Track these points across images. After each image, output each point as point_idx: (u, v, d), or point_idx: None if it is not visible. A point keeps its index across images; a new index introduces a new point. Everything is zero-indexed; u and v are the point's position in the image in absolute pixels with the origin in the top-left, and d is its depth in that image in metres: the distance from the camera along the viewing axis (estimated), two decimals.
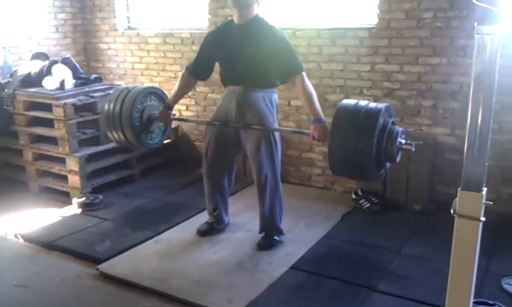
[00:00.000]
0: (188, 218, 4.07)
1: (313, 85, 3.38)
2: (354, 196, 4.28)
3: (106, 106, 3.64)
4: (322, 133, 3.16)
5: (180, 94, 3.73)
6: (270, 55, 3.30)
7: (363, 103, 2.88)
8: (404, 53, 4.22)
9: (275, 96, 3.53)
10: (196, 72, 3.62)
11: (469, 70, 3.94)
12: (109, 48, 5.95)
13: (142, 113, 3.62)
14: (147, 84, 5.50)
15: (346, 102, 2.99)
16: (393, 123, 2.83)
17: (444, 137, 4.19)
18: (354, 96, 4.46)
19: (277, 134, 3.52)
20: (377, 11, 4.28)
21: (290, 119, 4.88)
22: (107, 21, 5.88)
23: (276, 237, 3.60)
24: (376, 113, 2.75)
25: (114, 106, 3.57)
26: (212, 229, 3.77)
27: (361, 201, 4.20)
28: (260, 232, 3.63)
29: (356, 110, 2.80)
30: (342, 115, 2.83)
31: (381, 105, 2.83)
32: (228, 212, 3.88)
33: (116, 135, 3.64)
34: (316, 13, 4.76)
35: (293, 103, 4.83)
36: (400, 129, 2.83)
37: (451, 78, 4.08)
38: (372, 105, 2.86)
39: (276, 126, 3.56)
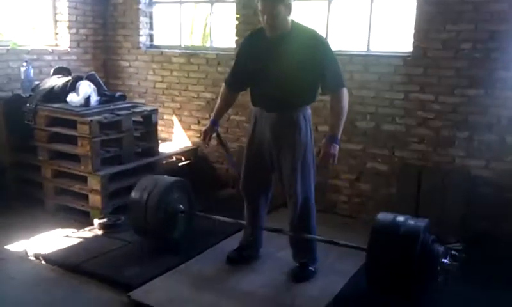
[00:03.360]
0: (215, 243, 3.92)
1: None
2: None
3: (133, 194, 3.69)
4: (331, 153, 3.11)
5: (221, 110, 3.59)
6: (312, 64, 3.08)
7: (401, 218, 2.84)
8: (440, 83, 4.15)
9: (309, 112, 3.33)
10: (233, 85, 3.46)
11: (507, 103, 3.92)
12: (130, 66, 5.85)
13: (167, 208, 3.65)
14: (167, 104, 5.45)
15: (383, 217, 2.93)
16: (433, 241, 2.79)
17: (479, 170, 4.08)
18: (386, 124, 4.38)
19: (310, 154, 3.35)
20: (413, 40, 4.21)
21: (317, 145, 4.75)
22: (129, 38, 5.79)
23: (311, 267, 3.45)
24: (416, 233, 2.72)
25: (141, 197, 3.62)
26: (243, 257, 3.61)
27: None
28: (295, 260, 3.48)
29: (394, 228, 2.78)
30: (380, 233, 2.81)
31: (421, 223, 2.79)
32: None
33: (140, 225, 3.65)
34: (348, 38, 4.71)
35: (320, 129, 4.72)
36: (441, 248, 2.80)
37: (488, 111, 4.00)
38: (411, 222, 2.81)
39: (312, 144, 3.38)
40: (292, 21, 3.14)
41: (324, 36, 3.23)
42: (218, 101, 3.57)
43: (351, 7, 4.70)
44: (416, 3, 4.16)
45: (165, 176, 3.96)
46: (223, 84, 3.53)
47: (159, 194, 3.60)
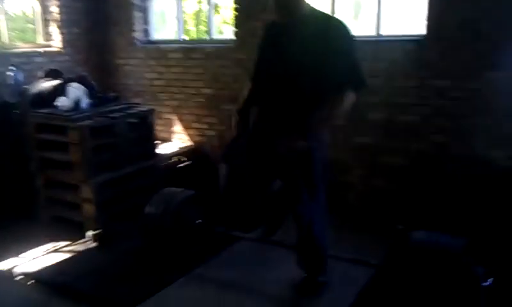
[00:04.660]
0: (218, 253, 3.61)
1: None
2: (401, 226, 3.79)
3: (148, 209, 3.56)
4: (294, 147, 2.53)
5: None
6: (326, 53, 2.45)
7: (437, 237, 2.61)
8: (459, 67, 3.77)
9: None
10: (258, 82, 2.84)
11: None
12: (126, 64, 5.57)
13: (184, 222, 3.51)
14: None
15: (417, 236, 2.70)
16: (474, 263, 2.47)
17: (507, 161, 3.70)
18: (400, 114, 4.02)
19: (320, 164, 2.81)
20: (426, 21, 3.84)
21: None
22: (123, 35, 5.50)
23: (320, 278, 3.11)
24: (454, 254, 2.46)
25: (156, 211, 3.48)
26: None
27: (409, 232, 3.72)
28: (300, 268, 3.11)
29: (430, 249, 2.56)
30: (415, 254, 2.59)
31: (459, 242, 2.51)
32: None
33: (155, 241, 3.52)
34: (355, 22, 4.35)
35: None
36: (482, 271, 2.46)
37: None
38: (449, 241, 2.55)
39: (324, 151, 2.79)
40: (309, 6, 2.59)
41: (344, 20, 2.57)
42: (246, 94, 2.90)
43: None
44: None
45: (181, 189, 3.67)
46: (249, 83, 2.91)
47: (176, 207, 3.42)
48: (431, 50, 3.85)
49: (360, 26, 4.37)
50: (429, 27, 3.84)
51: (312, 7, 2.62)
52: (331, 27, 2.53)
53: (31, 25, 5.46)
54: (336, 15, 3.66)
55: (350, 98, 2.52)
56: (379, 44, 4.11)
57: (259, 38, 2.84)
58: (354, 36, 2.55)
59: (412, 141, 3.99)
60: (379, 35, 4.18)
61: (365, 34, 4.24)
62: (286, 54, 2.59)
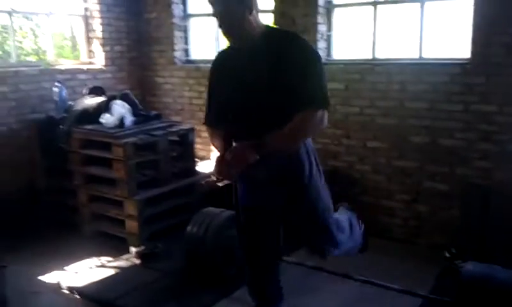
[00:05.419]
0: None
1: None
2: (447, 255, 3.75)
3: (189, 228, 3.55)
4: (243, 155, 2.22)
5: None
6: (292, 72, 2.24)
7: (492, 270, 2.47)
8: (505, 92, 3.73)
9: (309, 140, 2.46)
10: (218, 121, 2.54)
11: None
12: (166, 83, 5.66)
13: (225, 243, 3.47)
14: None
15: (472, 267, 2.54)
16: None
17: None
18: (444, 138, 3.98)
19: (324, 191, 2.53)
20: (471, 45, 3.82)
21: (366, 163, 4.40)
22: (164, 54, 5.60)
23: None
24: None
25: (198, 231, 3.48)
26: None
27: (457, 262, 3.65)
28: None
29: (485, 281, 2.42)
30: (470, 287, 2.46)
31: None
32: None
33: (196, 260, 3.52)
34: (398, 45, 4.35)
35: (369, 144, 4.37)
36: None
37: None
38: (504, 274, 2.42)
39: (322, 178, 2.52)
40: (265, 25, 2.39)
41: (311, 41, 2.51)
42: (218, 143, 2.51)
43: (400, 11, 4.34)
44: (473, 5, 3.77)
45: (222, 209, 3.63)
46: (207, 129, 2.65)
47: (217, 229, 3.42)
48: (476, 74, 3.81)
49: (402, 48, 4.35)
50: (474, 51, 3.81)
51: (268, 26, 2.43)
52: (293, 43, 2.31)
53: (68, 43, 5.61)
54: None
55: (319, 117, 2.27)
56: (422, 67, 4.09)
57: None
58: (317, 53, 2.39)
59: (456, 166, 3.94)
60: (421, 58, 4.16)
61: (408, 57, 4.24)
62: (246, 80, 2.33)
